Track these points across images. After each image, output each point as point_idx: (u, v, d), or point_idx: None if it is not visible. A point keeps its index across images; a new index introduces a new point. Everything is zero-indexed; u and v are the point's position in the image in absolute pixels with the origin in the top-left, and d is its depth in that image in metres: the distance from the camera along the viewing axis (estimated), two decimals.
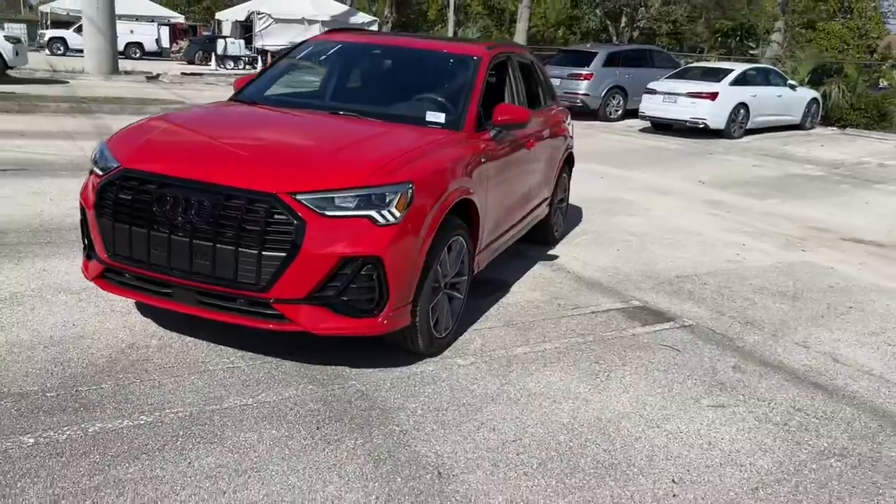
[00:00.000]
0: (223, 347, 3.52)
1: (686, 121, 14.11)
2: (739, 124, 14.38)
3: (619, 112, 16.91)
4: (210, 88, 18.02)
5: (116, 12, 32.68)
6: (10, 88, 14.43)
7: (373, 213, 3.05)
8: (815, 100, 16.30)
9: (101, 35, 21.02)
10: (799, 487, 2.77)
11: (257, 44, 31.06)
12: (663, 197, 8.63)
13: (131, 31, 32.89)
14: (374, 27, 33.67)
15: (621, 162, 11.06)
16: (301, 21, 32.33)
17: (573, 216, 7.13)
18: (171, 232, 3.06)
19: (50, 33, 32.64)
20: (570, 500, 2.57)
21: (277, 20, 31.53)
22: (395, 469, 2.66)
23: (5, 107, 11.70)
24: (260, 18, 31.37)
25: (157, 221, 3.08)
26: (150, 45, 33.25)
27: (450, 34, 29.16)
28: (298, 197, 2.98)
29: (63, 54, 30.20)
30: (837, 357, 4.12)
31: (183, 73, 22.87)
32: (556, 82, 15.80)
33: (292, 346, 3.52)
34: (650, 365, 3.79)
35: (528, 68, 5.41)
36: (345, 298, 3.07)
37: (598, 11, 28.32)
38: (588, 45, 20.84)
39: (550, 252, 5.80)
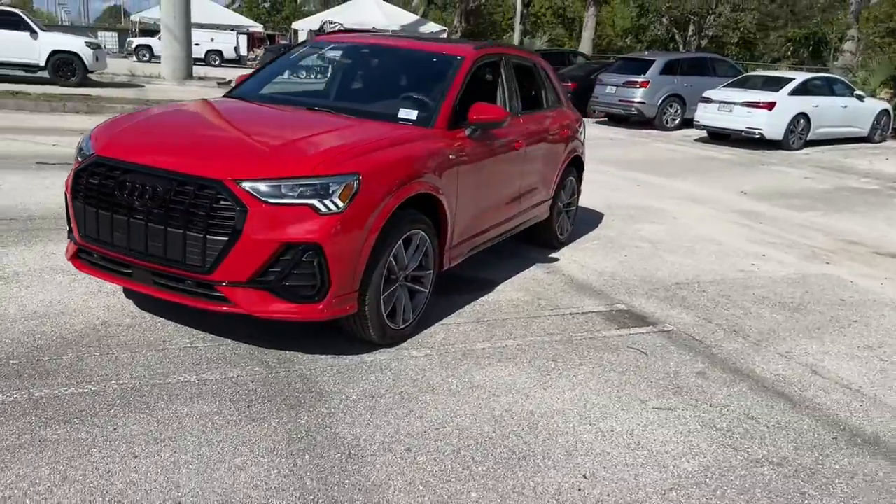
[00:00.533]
0: (190, 329, 3.69)
1: (741, 130, 13.69)
2: (799, 135, 13.84)
3: (677, 121, 16.55)
4: None
5: (200, 21, 34.20)
6: (87, 91, 15.36)
7: (315, 202, 3.16)
8: (885, 111, 15.51)
9: (177, 42, 22.08)
10: (717, 492, 2.70)
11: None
12: (697, 206, 8.43)
13: (211, 40, 34.38)
14: (444, 36, 34.02)
15: (665, 171, 10.85)
16: (371, 30, 33.04)
17: (591, 221, 7.07)
18: (130, 215, 3.25)
19: (137, 41, 34.49)
20: (470, 486, 2.59)
21: (349, 28, 32.30)
22: (308, 447, 2.74)
23: (75, 107, 12.48)
24: (332, 27, 32.21)
25: (119, 205, 3.28)
26: (228, 53, 34.64)
27: (515, 42, 29.19)
28: (243, 184, 3.12)
29: (148, 61, 31.87)
30: (817, 369, 3.96)
31: None
32: (610, 90, 15.67)
33: (258, 330, 3.66)
34: (609, 366, 3.75)
35: (529, 70, 5.44)
36: (287, 284, 3.18)
37: (664, 20, 27.74)
38: (646, 53, 20.48)
39: (552, 255, 5.78)
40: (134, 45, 33.96)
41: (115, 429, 2.74)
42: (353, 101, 4.36)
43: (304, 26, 35.68)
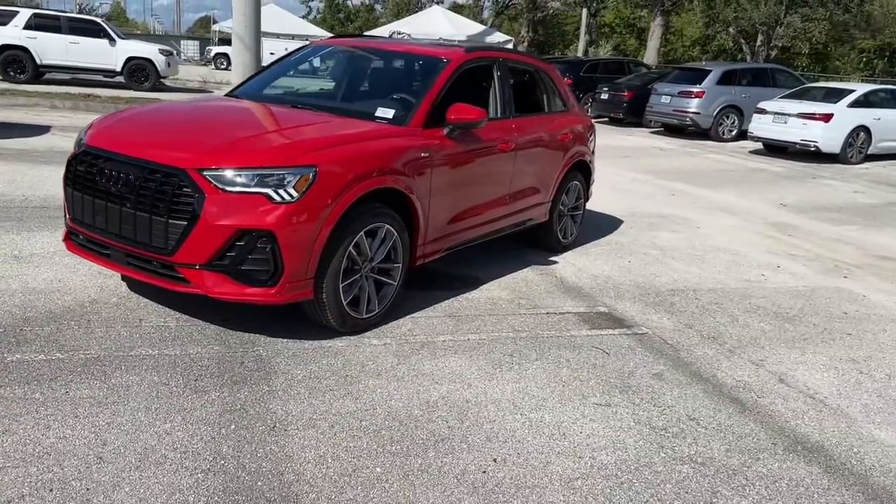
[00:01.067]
0: (169, 310, 3.95)
1: (795, 143, 13.27)
2: (858, 149, 13.30)
3: (734, 133, 16.16)
4: None
5: (275, 31, 35.33)
6: (156, 95, 16.22)
7: (269, 191, 3.35)
8: None
9: (247, 51, 22.89)
10: (624, 484, 2.73)
11: None
12: (727, 216, 8.27)
13: (286, 49, 35.50)
14: (510, 46, 34.17)
15: (707, 181, 10.66)
16: (439, 40, 33.50)
17: (607, 227, 7.07)
18: (108, 200, 3.53)
19: (216, 49, 36.00)
20: (378, 462, 2.71)
21: (416, 38, 32.84)
22: (236, 419, 2.92)
23: None
24: (399, 37, 32.82)
25: (100, 190, 3.56)
26: None
27: (580, 53, 29.04)
28: (204, 173, 3.34)
29: (226, 68, 33.21)
30: (786, 378, 3.89)
31: None
32: (665, 100, 15.46)
33: (233, 314, 3.88)
34: (564, 363, 3.79)
35: (529, 75, 5.52)
36: (242, 268, 3.38)
37: (731, 30, 26.99)
38: (703, 63, 20.04)
39: (552, 258, 5.82)
40: (213, 54, 35.47)
41: (66, 392, 2.99)
42: (338, 101, 4.56)
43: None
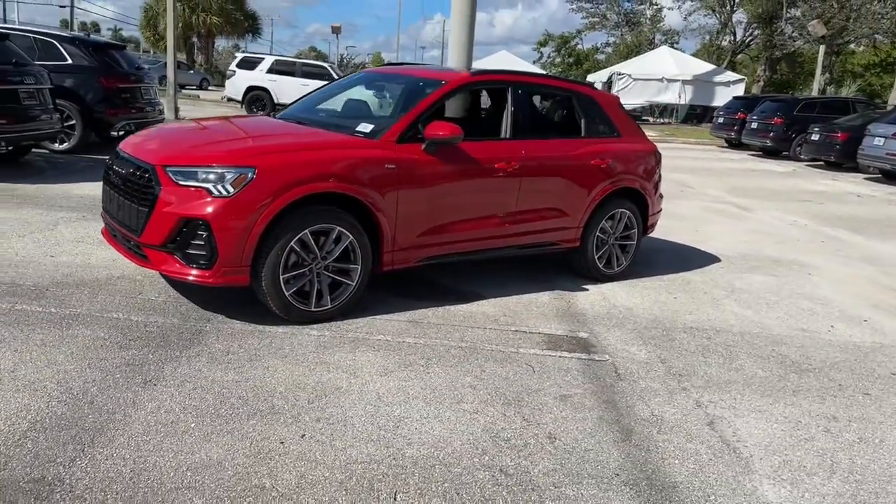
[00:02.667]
0: (171, 289, 4.64)
1: None
2: None
3: None
4: None
5: None
6: None
7: (210, 186, 3.89)
8: None
9: None
10: (398, 476, 2.78)
11: None
12: (862, 266, 7.30)
13: None
14: (741, 85, 32.26)
15: (876, 231, 9.43)
16: (661, 80, 32.68)
17: (693, 262, 6.68)
18: (115, 190, 4.32)
19: None
20: (202, 423, 3.04)
21: (636, 79, 32.37)
22: (126, 372, 3.44)
23: None
24: (619, 79, 32.60)
25: (112, 182, 4.38)
26: None
27: (814, 92, 26.54)
28: (166, 169, 3.98)
29: None
30: (718, 422, 3.51)
31: None
32: (878, 142, 13.93)
33: (220, 299, 4.46)
34: (476, 372, 3.80)
35: (562, 99, 5.58)
36: (187, 251, 3.95)
37: None
38: None
39: (587, 285, 5.68)
40: None
41: (28, 334, 3.74)
42: (340, 117, 5.01)
43: (596, 78, 36.62)
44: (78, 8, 54.89)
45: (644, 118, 35.32)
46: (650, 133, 26.62)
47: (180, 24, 37.34)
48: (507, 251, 5.23)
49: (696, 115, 32.95)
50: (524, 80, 5.39)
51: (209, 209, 3.87)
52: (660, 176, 6.27)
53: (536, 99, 5.38)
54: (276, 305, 4.14)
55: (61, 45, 9.88)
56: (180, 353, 3.70)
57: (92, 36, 10.89)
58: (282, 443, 2.93)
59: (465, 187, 4.80)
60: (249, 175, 3.91)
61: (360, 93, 5.52)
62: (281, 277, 4.09)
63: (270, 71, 20.65)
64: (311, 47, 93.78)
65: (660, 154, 6.22)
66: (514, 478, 2.83)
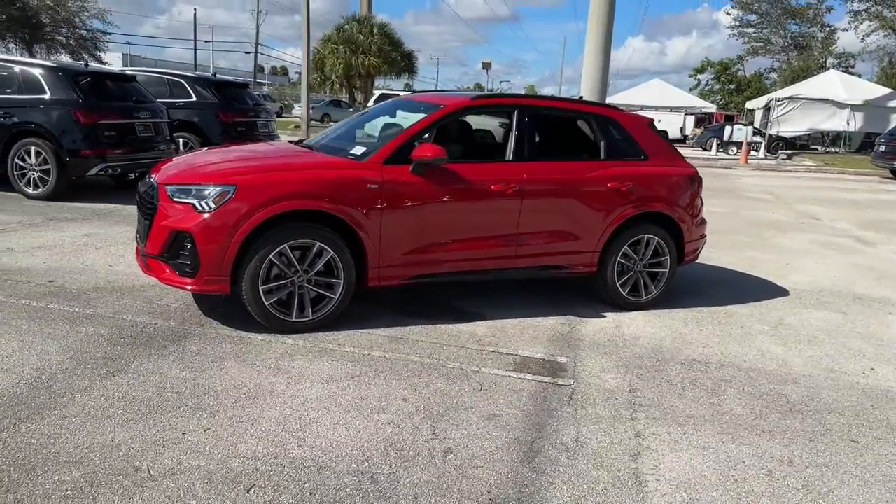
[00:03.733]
0: (187, 298, 5.12)
1: None
2: None
3: None
4: None
5: (657, 104, 35.99)
6: None
7: (195, 202, 4.30)
8: None
9: None
10: (273, 479, 2.93)
11: (772, 130, 30.41)
12: None
13: (658, 121, 35.93)
14: None
15: None
16: (827, 106, 30.33)
17: (751, 294, 6.26)
18: (138, 206, 4.88)
19: None
20: (127, 416, 3.38)
21: (798, 105, 30.21)
22: (93, 362, 3.86)
23: None
24: (779, 105, 30.63)
25: (137, 200, 4.95)
26: (674, 133, 35.67)
27: None
28: (165, 186, 4.45)
29: None
30: (644, 453, 3.32)
31: None
32: None
33: (229, 307, 4.89)
34: (414, 384, 3.86)
35: (577, 121, 5.54)
36: (177, 260, 4.37)
37: None
38: None
39: (607, 312, 5.51)
40: None
41: (39, 327, 4.31)
42: (345, 143, 5.27)
43: (754, 105, 34.63)
44: (262, 54, 60.52)
45: (812, 147, 32.80)
46: (807, 163, 24.71)
47: (341, 66, 40.01)
48: (513, 273, 5.21)
49: (872, 143, 30.10)
50: (531, 103, 5.39)
51: (193, 223, 4.27)
52: (701, 201, 5.95)
53: (547, 121, 5.33)
54: (257, 314, 4.45)
55: (188, 85, 11.10)
56: (155, 352, 4.09)
57: (218, 76, 12.09)
58: (183, 433, 3.18)
59: (457, 208, 4.87)
60: (230, 192, 4.28)
61: (384, 120, 5.78)
62: (260, 288, 4.39)
63: None
64: (477, 83, 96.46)
65: (699, 178, 5.91)
66: (378, 485, 2.88)
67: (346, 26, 41.19)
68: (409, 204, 4.71)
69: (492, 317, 5.20)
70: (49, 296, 4.95)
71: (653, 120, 5.96)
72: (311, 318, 4.56)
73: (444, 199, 4.82)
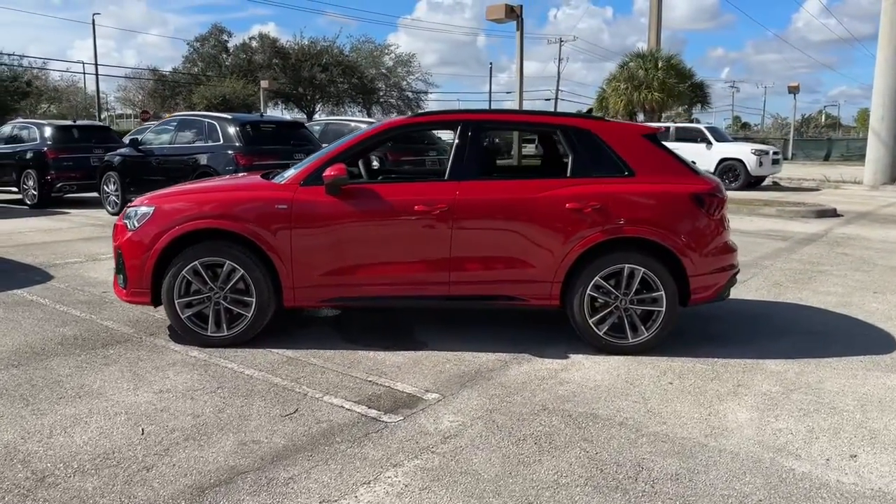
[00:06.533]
0: None
1: None
2: None
3: None
4: None
5: None
6: (745, 194, 16.75)
7: (127, 222, 4.84)
8: None
9: (882, 146, 20.50)
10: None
11: None
12: None
13: None
14: None
15: None
16: None
17: (824, 350, 4.92)
18: None
19: None
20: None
21: None
22: (38, 356, 4.55)
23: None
24: None
25: None
26: None
27: None
28: (126, 209, 5.08)
29: None
30: (331, 502, 2.90)
31: None
32: None
33: None
34: (217, 399, 3.83)
35: (536, 137, 4.95)
36: (119, 274, 4.94)
37: None
38: None
39: (576, 354, 4.76)
40: None
41: (28, 323, 5.20)
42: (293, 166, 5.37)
43: None
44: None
45: None
46: None
47: (622, 102, 39.53)
48: (450, 302, 4.80)
49: None
50: (479, 118, 4.92)
51: (123, 240, 4.80)
52: (718, 225, 4.82)
53: (498, 137, 4.84)
54: (175, 325, 4.79)
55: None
56: (82, 352, 4.65)
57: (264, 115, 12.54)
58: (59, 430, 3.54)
59: (375, 230, 4.68)
60: (149, 214, 4.73)
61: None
62: (175, 301, 4.72)
63: None
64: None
65: (713, 197, 4.78)
66: (44, 484, 2.97)
67: (629, 63, 40.67)
68: (323, 225, 4.67)
69: (431, 347, 4.85)
70: (68, 303, 5.87)
71: (656, 130, 4.99)
72: (225, 333, 4.75)
73: (361, 220, 4.67)
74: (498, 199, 4.70)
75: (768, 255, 8.82)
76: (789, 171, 25.26)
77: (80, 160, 13.04)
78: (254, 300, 4.71)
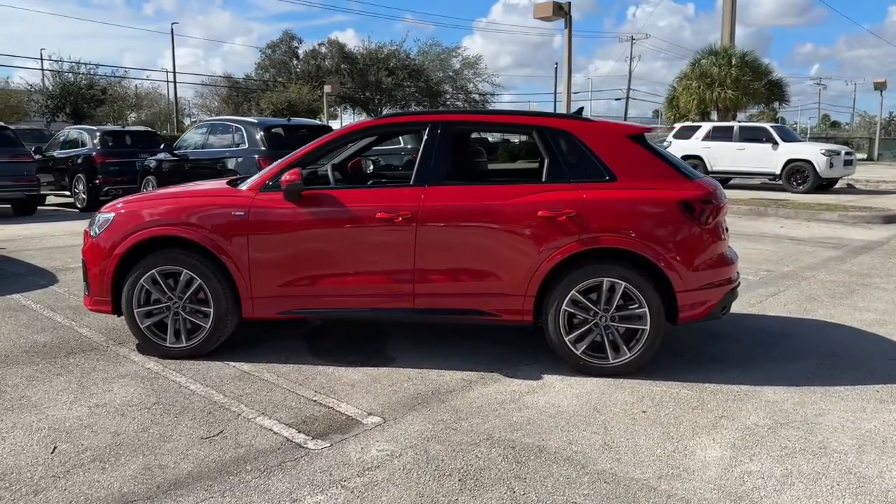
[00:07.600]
0: None
1: None
2: None
3: None
4: None
5: None
6: (807, 198, 15.88)
7: (90, 229, 4.75)
8: None
9: None
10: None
11: None
12: None
13: None
14: None
15: None
16: None
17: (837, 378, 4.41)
18: None
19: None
20: None
21: None
22: (6, 360, 4.53)
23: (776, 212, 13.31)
24: None
25: None
26: None
27: None
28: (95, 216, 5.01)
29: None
30: None
31: None
32: None
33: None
34: (143, 416, 3.65)
35: (515, 138, 4.51)
36: (84, 282, 4.86)
37: None
38: None
39: (556, 375, 4.37)
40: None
41: (17, 328, 5.19)
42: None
43: None
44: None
45: None
46: None
47: (694, 101, 38.22)
48: (415, 315, 4.49)
49: None
50: (448, 118, 4.57)
51: (86, 247, 4.71)
52: (712, 235, 4.34)
53: (469, 139, 4.51)
54: (136, 336, 4.66)
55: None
56: (47, 360, 4.57)
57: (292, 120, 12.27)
58: None
59: (335, 238, 4.43)
60: (110, 220, 4.61)
61: None
62: (135, 311, 4.59)
63: (707, 138, 19.72)
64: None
65: (706, 204, 4.30)
66: None
67: (702, 60, 39.17)
68: (280, 233, 4.45)
69: (398, 364, 4.56)
70: (66, 312, 5.87)
71: (642, 130, 4.53)
72: (185, 345, 4.59)
73: (321, 228, 4.43)
74: (465, 205, 4.36)
75: (813, 266, 8.09)
76: (870, 173, 23.71)
77: (125, 164, 13.36)
78: (212, 311, 4.52)
